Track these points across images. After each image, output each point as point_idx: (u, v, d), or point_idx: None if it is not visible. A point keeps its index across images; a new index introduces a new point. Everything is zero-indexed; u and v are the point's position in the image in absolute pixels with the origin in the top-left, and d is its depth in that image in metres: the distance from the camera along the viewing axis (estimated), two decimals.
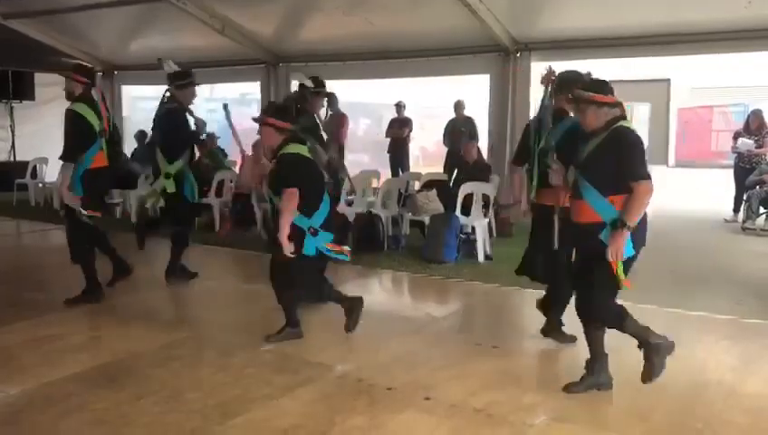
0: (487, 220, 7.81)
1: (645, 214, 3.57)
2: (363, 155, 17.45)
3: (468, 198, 7.86)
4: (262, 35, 11.23)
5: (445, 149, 11.12)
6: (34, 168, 12.37)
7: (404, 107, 11.95)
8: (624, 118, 3.65)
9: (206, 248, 8.16)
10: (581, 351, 4.45)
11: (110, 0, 10.66)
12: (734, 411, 3.61)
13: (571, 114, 4.26)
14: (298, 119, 5.20)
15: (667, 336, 3.72)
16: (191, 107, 6.05)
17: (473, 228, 7.41)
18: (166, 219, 6.24)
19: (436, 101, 11.56)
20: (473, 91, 10.95)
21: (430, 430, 3.36)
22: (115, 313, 5.31)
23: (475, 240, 7.32)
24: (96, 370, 4.06)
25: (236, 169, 10.49)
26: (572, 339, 4.47)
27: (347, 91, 11.15)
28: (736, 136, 10.19)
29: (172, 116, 5.90)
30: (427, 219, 7.66)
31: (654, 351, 3.67)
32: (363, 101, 17.40)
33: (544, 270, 4.56)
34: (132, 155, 11.61)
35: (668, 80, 20.87)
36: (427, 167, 12.89)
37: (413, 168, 12.03)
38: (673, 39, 8.85)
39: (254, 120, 4.61)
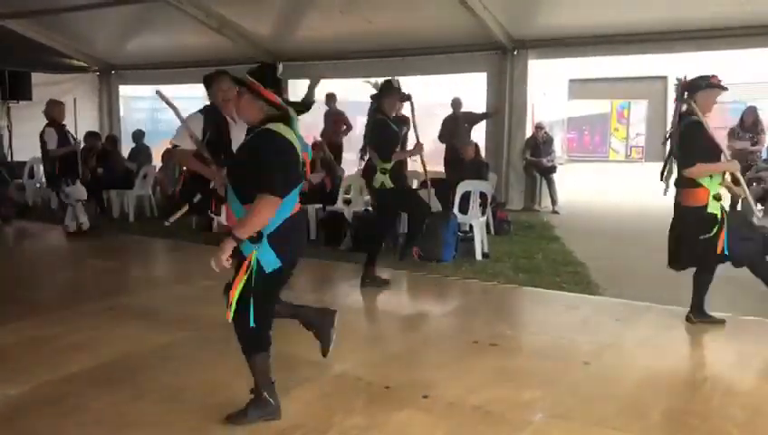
0: (485, 218, 7.82)
1: (292, 228, 3.21)
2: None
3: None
4: (259, 34, 11.22)
5: (441, 147, 11.07)
6: (32, 168, 12.34)
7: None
8: (285, 120, 3.19)
9: (204, 248, 8.13)
10: (581, 347, 4.48)
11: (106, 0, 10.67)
12: (730, 408, 3.62)
13: (693, 116, 4.59)
14: None
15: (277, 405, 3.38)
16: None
17: (470, 227, 7.43)
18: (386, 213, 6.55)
19: (434, 98, 11.54)
20: (469, 90, 10.94)
21: (429, 429, 3.37)
22: (114, 312, 5.31)
23: (472, 238, 7.33)
24: (95, 370, 4.06)
25: None
26: (721, 321, 4.91)
27: (344, 89, 11.13)
28: (731, 133, 10.22)
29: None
30: None
31: (255, 404, 3.36)
32: (362, 99, 17.32)
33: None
34: (129, 155, 11.59)
35: (665, 77, 20.86)
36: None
37: (410, 166, 11.98)
38: (670, 36, 8.90)
39: None
